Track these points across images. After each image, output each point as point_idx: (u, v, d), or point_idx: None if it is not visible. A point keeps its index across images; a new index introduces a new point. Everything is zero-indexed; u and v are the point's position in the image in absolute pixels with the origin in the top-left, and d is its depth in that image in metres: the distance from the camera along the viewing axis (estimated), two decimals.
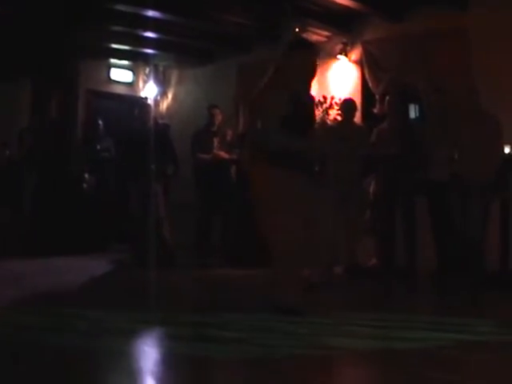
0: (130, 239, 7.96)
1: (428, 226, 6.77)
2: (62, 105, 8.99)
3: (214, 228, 8.13)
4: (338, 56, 8.37)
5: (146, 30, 8.47)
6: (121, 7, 7.64)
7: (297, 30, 7.94)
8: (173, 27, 8.48)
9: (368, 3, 7.46)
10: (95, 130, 9.39)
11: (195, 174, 8.17)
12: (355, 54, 8.34)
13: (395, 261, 6.96)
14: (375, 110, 7.94)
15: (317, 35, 8.38)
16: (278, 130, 4.39)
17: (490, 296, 5.96)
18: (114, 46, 9.50)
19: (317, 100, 7.45)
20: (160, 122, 8.72)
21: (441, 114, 6.91)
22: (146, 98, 10.19)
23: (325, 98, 8.35)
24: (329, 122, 8.20)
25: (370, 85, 8.05)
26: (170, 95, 10.58)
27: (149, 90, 10.43)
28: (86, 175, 8.90)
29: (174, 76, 10.60)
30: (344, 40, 8.33)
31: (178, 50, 9.68)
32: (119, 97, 10.37)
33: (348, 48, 8.34)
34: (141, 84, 10.60)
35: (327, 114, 8.30)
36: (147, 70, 10.50)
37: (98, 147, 9.23)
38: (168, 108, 10.55)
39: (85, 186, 8.87)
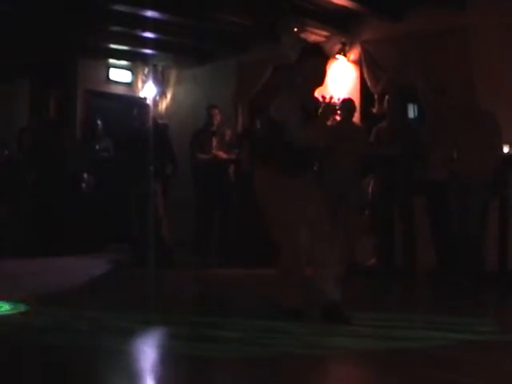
0: (129, 239, 7.96)
1: (427, 225, 6.78)
2: (60, 105, 9.00)
3: (213, 228, 8.13)
4: (337, 56, 8.36)
5: (144, 30, 8.46)
6: (119, 7, 7.63)
7: (295, 29, 7.94)
8: (171, 27, 8.47)
9: (367, 3, 7.45)
10: (94, 130, 9.37)
11: (194, 174, 8.17)
12: (354, 53, 8.34)
13: (394, 260, 6.97)
14: (374, 110, 7.94)
15: (315, 35, 8.38)
16: (304, 126, 4.40)
17: (490, 295, 5.97)
18: (113, 46, 9.48)
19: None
20: (159, 122, 8.71)
21: (439, 114, 6.93)
22: (145, 98, 10.17)
23: (324, 97, 8.33)
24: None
25: (369, 85, 8.05)
26: (168, 95, 10.58)
27: (148, 90, 10.42)
28: (85, 175, 8.89)
29: (172, 76, 10.59)
30: (343, 40, 8.32)
31: (176, 50, 9.67)
32: (118, 97, 10.35)
33: (347, 48, 8.34)
34: (140, 84, 10.59)
35: None
36: (146, 70, 10.49)
37: (97, 147, 9.22)
38: (167, 108, 10.54)
39: (84, 185, 8.87)
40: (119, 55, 10.02)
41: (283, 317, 4.28)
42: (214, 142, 8.08)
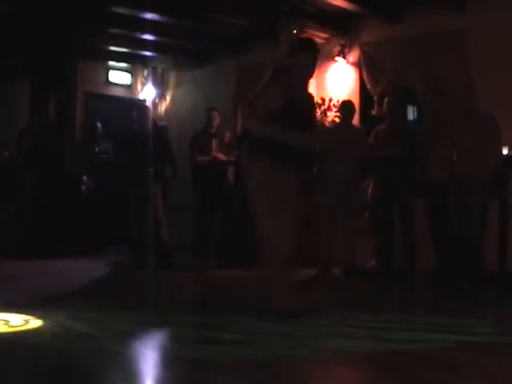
0: (128, 241, 7.96)
1: (426, 226, 6.78)
2: (60, 106, 9.00)
3: (213, 230, 8.13)
4: (336, 58, 8.38)
5: (144, 32, 8.47)
6: (119, 9, 7.64)
7: (295, 31, 7.94)
8: (171, 29, 8.48)
9: (366, 5, 7.46)
10: (93, 132, 9.38)
11: (194, 176, 8.18)
12: (353, 55, 8.35)
13: (394, 262, 6.97)
14: (373, 112, 7.95)
15: (315, 37, 8.34)
16: (264, 118, 4.45)
17: (489, 296, 5.97)
18: (113, 48, 9.49)
19: (315, 102, 7.45)
20: (158, 124, 8.72)
21: (439, 115, 6.93)
22: (145, 100, 10.18)
23: (323, 99, 8.35)
24: (327, 123, 8.21)
25: (368, 86, 8.06)
26: (168, 97, 10.58)
27: (147, 92, 10.43)
28: (85, 177, 8.89)
29: (172, 78, 10.60)
30: (342, 42, 8.33)
31: (175, 52, 9.68)
32: (117, 99, 10.36)
33: (346, 50, 8.35)
34: (139, 86, 10.59)
35: (325, 115, 8.31)
36: (145, 72, 10.50)
37: (97, 149, 9.22)
38: (166, 110, 10.55)
39: (83, 188, 8.87)
40: (119, 57, 10.03)
41: (273, 319, 4.29)
42: (214, 143, 8.09)
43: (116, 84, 10.41)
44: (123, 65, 10.37)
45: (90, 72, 10.00)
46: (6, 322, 4.19)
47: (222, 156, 8.06)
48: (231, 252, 7.97)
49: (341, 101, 7.80)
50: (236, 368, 3.27)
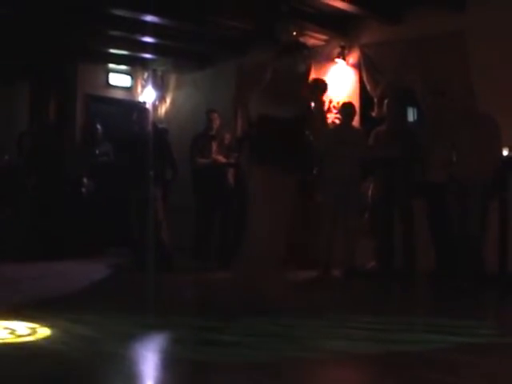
0: (129, 243, 7.96)
1: (426, 227, 6.79)
2: (60, 109, 9.00)
3: (213, 232, 8.13)
4: (336, 59, 8.38)
5: (144, 34, 8.48)
6: (119, 12, 7.64)
7: (294, 33, 7.95)
8: (171, 32, 8.49)
9: (365, 6, 7.47)
10: (94, 135, 9.39)
11: (194, 178, 8.18)
12: (353, 57, 8.35)
13: (394, 263, 6.97)
14: (373, 114, 7.95)
15: (314, 39, 8.39)
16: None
17: (490, 297, 5.97)
18: (113, 50, 9.51)
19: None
20: (159, 126, 8.72)
21: (439, 116, 6.93)
22: (145, 103, 10.19)
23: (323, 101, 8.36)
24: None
25: (368, 88, 8.06)
26: (168, 100, 10.59)
27: (147, 95, 10.44)
28: (85, 179, 8.90)
29: (172, 80, 10.61)
30: (342, 43, 8.34)
31: (176, 55, 9.69)
32: (118, 101, 10.37)
33: (346, 51, 8.35)
34: (139, 89, 10.60)
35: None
36: (145, 74, 10.51)
37: (97, 152, 9.23)
38: (166, 112, 10.55)
39: (83, 190, 8.87)
40: (119, 60, 10.04)
41: (260, 317, 4.30)
42: (214, 146, 8.09)
43: (116, 86, 10.42)
44: (123, 67, 10.38)
45: (90, 74, 10.01)
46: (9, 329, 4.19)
47: (221, 158, 8.06)
48: (231, 254, 7.96)
49: (341, 102, 7.81)
50: (236, 370, 3.27)
